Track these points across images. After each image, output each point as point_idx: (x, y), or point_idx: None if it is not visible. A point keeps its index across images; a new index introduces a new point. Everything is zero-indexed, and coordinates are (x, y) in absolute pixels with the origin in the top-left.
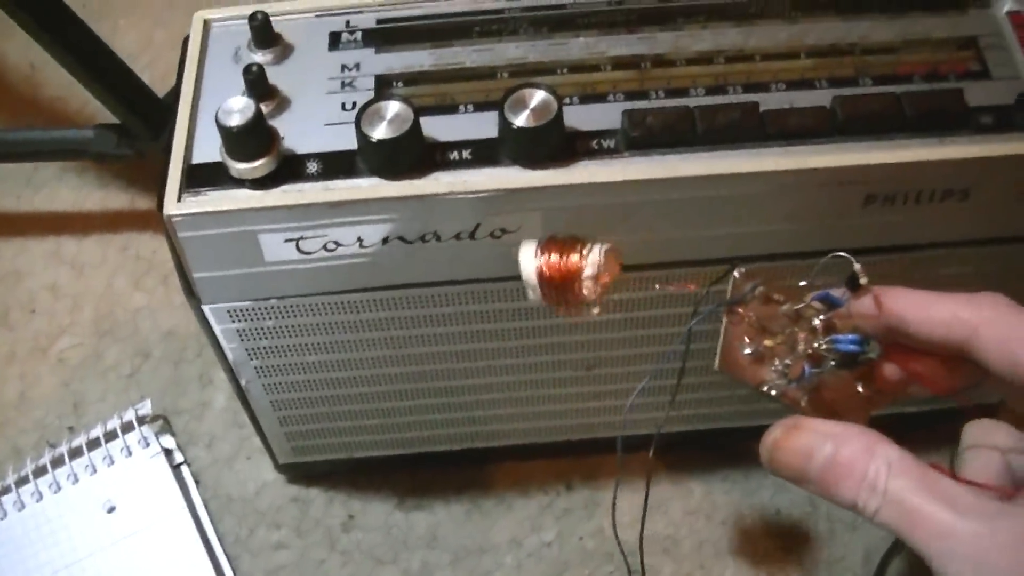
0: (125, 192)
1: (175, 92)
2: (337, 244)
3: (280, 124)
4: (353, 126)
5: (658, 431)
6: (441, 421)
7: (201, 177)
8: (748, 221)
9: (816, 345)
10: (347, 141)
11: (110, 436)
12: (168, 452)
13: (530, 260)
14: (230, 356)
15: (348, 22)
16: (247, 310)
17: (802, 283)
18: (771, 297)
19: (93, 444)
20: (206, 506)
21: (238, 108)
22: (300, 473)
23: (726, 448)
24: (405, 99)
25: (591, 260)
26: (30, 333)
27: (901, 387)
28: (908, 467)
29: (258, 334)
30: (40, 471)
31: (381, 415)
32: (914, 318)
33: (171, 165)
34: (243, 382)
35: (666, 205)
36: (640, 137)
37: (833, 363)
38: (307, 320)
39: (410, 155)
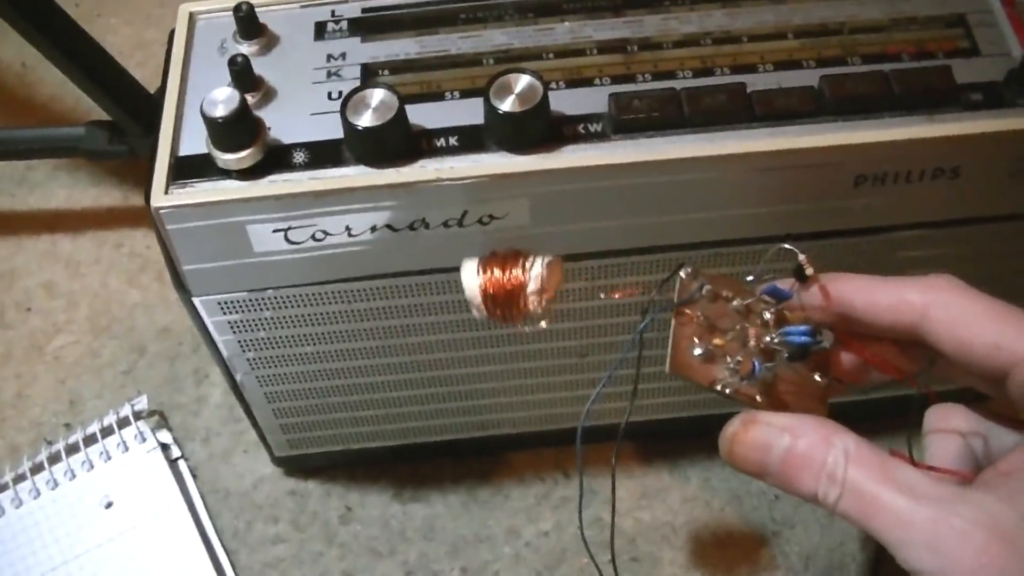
0: (118, 189)
1: (163, 87)
2: (325, 233)
3: (266, 114)
4: (338, 115)
5: (623, 423)
6: (436, 411)
7: (188, 169)
8: (738, 203)
9: (768, 339)
10: (333, 130)
11: (106, 432)
12: (165, 447)
13: (472, 278)
14: (223, 349)
15: (333, 12)
16: (238, 302)
17: (749, 278)
18: (719, 294)
19: (90, 440)
20: (203, 500)
21: (222, 99)
22: (297, 466)
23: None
24: (390, 87)
25: (534, 274)
26: (26, 331)
27: (858, 374)
28: (866, 455)
29: (250, 326)
30: (37, 468)
31: (376, 406)
32: (862, 304)
33: (158, 158)
34: (237, 375)
35: (654, 189)
36: (627, 121)
37: (786, 356)
38: (298, 311)
39: (396, 143)
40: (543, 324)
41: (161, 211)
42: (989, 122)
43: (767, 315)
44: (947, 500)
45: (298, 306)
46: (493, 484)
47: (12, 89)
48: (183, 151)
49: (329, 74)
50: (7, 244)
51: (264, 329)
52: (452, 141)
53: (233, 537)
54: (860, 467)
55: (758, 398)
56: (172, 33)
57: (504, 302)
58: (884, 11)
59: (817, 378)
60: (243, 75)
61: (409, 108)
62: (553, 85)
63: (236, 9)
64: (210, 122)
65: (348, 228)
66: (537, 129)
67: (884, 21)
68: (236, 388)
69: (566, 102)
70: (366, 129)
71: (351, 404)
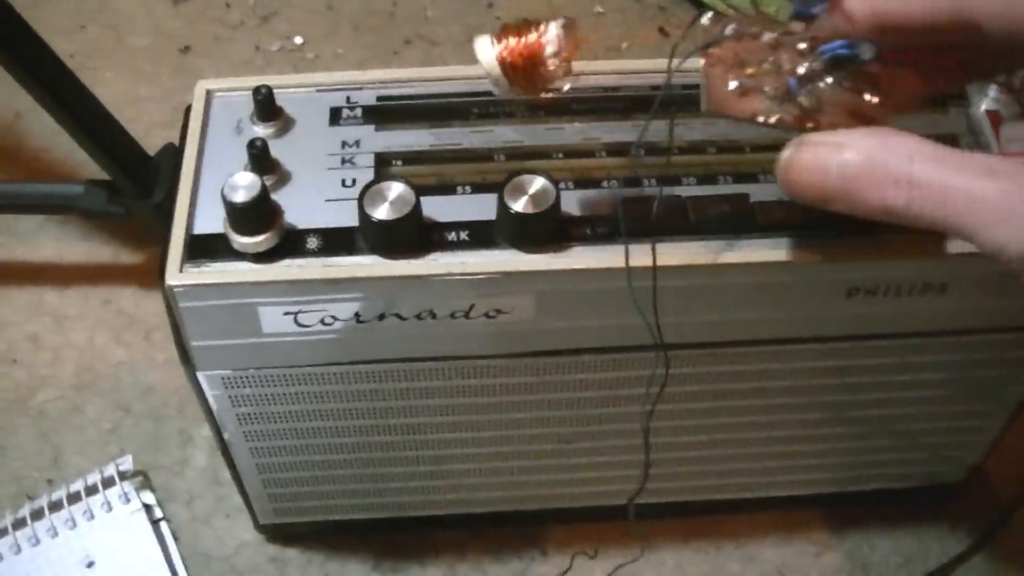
0: (108, 245)
1: (167, 152)
2: (335, 319)
3: (281, 198)
4: (352, 203)
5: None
6: (423, 488)
7: (202, 248)
8: (735, 309)
9: (806, 66)
10: (347, 218)
11: (91, 491)
12: (148, 508)
13: (488, 50)
14: (220, 420)
15: (348, 98)
16: (241, 378)
17: (771, 9)
18: (746, 33)
19: (74, 498)
20: (184, 564)
21: (244, 184)
22: (279, 533)
23: (698, 518)
24: (407, 181)
25: (550, 37)
26: (10, 383)
27: (909, 83)
28: (928, 150)
29: (251, 401)
30: (19, 523)
31: (366, 480)
32: (895, 3)
33: (173, 235)
34: (231, 445)
35: (657, 291)
36: (634, 225)
37: (829, 78)
38: (300, 389)
39: (410, 236)
40: (566, 87)
41: (175, 289)
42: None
43: (801, 45)
44: (1017, 170)
45: (301, 384)
46: (471, 559)
47: (3, 138)
48: (197, 229)
49: (343, 160)
50: None
51: (265, 404)
52: (463, 235)
53: None
54: (924, 162)
55: (808, 124)
56: (189, 109)
57: (525, 69)
58: None
59: (867, 97)
60: (261, 159)
61: (421, 200)
62: (562, 184)
63: (255, 91)
64: (230, 206)
65: (357, 315)
66: (548, 230)
67: None
68: (227, 455)
69: (574, 202)
70: (382, 222)
71: (342, 477)
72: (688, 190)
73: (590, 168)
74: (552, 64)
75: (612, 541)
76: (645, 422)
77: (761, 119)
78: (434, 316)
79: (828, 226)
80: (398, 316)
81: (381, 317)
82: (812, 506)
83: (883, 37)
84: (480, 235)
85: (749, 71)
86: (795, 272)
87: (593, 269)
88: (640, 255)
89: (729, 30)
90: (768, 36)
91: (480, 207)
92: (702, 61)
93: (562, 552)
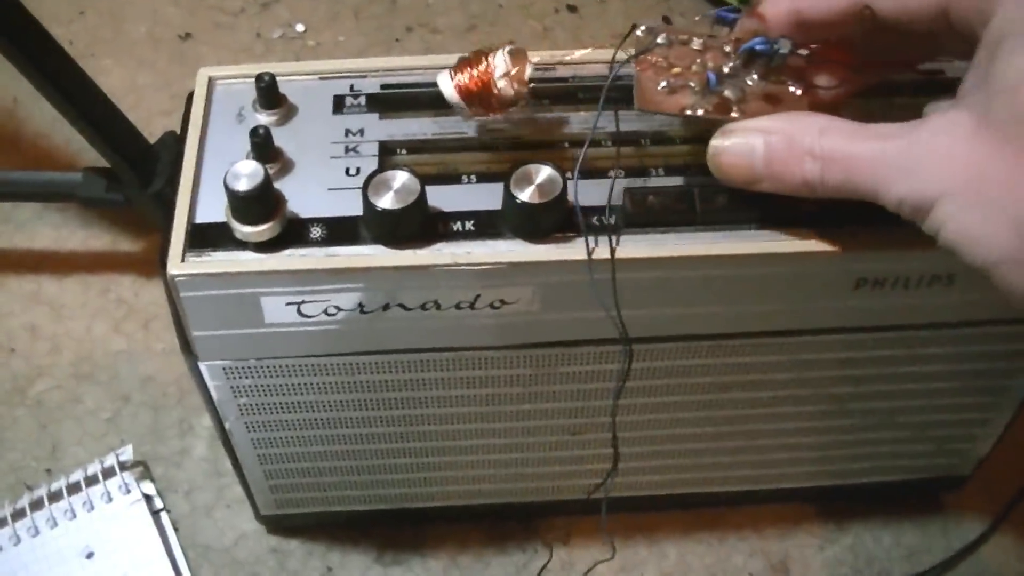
0: (107, 233)
1: (166, 141)
2: (338, 309)
3: (284, 186)
4: (356, 192)
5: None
6: (425, 479)
7: (205, 238)
8: (742, 300)
9: (731, 65)
10: (350, 207)
11: (91, 481)
12: (148, 498)
13: (448, 84)
14: (222, 411)
15: (352, 86)
16: (243, 368)
17: (696, 18)
18: (676, 40)
19: (73, 488)
20: (185, 555)
21: (246, 173)
22: (280, 524)
23: (702, 510)
24: (412, 170)
25: (497, 62)
26: (8, 373)
27: (836, 75)
28: (837, 124)
29: (253, 391)
30: (19, 514)
31: (369, 471)
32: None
33: (175, 224)
34: (233, 436)
35: (663, 283)
36: (640, 216)
37: (753, 73)
38: (302, 380)
39: (414, 225)
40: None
41: (177, 279)
42: None
43: (727, 48)
44: (913, 128)
45: (303, 375)
46: (474, 551)
47: (1, 126)
48: (199, 218)
49: (347, 149)
50: None
51: (267, 395)
52: (468, 225)
53: None
54: (832, 135)
55: (733, 114)
56: (191, 96)
57: (481, 95)
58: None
59: (791, 89)
60: (264, 147)
61: (426, 189)
62: (568, 174)
63: (258, 79)
64: (233, 195)
65: (361, 305)
66: (554, 220)
67: None
68: (229, 446)
69: (579, 191)
70: (386, 211)
71: (344, 469)
72: (695, 179)
73: (595, 158)
74: (503, 85)
75: (615, 533)
76: (611, 414)
77: (689, 112)
78: (439, 307)
79: (836, 217)
80: (402, 307)
81: (385, 307)
82: (816, 499)
83: (799, 33)
84: (485, 225)
85: (675, 70)
86: (803, 263)
87: (601, 260)
88: (649, 246)
89: (661, 39)
90: (697, 42)
91: (485, 197)
92: (635, 67)
93: (565, 544)
